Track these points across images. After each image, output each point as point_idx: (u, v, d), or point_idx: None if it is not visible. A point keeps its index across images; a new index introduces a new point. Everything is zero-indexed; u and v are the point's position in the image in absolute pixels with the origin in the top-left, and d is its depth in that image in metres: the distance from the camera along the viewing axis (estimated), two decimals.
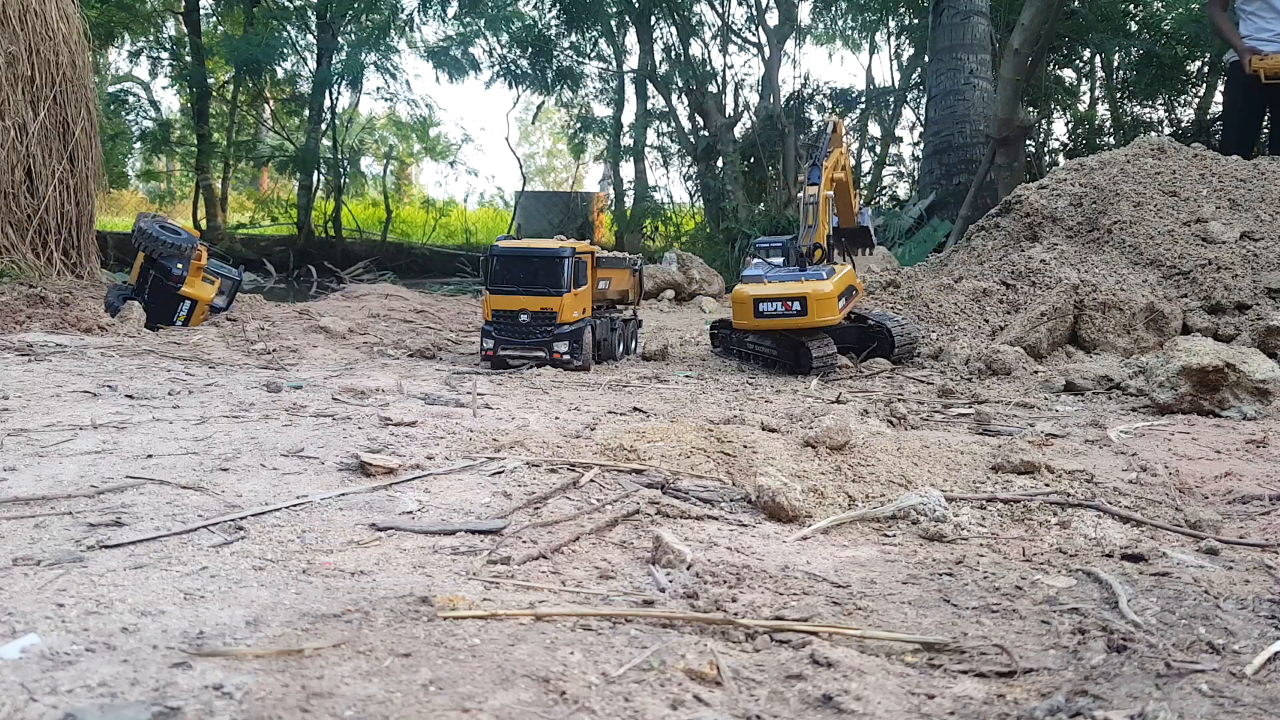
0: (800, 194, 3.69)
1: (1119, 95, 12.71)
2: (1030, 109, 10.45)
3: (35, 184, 4.53)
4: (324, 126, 13.49)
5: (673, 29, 13.50)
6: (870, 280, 4.70)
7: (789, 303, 3.37)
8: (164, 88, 19.64)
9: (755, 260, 3.72)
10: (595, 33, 13.48)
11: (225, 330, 3.91)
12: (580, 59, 13.73)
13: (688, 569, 1.32)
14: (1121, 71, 12.60)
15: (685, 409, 2.58)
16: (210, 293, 4.04)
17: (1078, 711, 0.92)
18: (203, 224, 12.10)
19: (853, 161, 4.56)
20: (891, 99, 14.77)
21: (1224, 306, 3.94)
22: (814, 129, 13.51)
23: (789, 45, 13.98)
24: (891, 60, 18.08)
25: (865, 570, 1.39)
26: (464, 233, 15.44)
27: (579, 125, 14.83)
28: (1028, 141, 10.42)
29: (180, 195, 15.58)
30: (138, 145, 13.76)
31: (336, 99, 13.57)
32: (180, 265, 3.87)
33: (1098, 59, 12.81)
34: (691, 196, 14.44)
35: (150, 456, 1.78)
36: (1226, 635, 1.13)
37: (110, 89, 13.75)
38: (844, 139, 3.89)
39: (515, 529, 1.45)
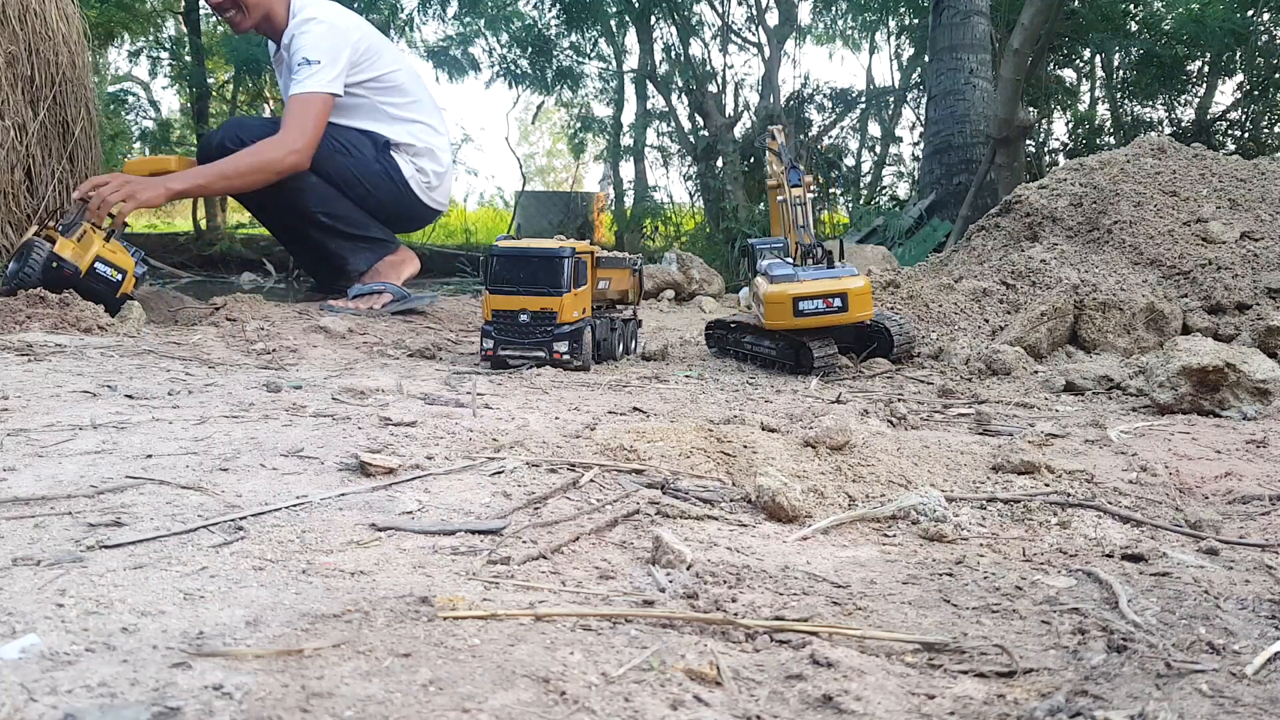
0: (782, 198, 3.66)
1: (1119, 95, 12.73)
2: (1030, 109, 10.45)
3: (35, 184, 4.52)
4: None
5: (673, 29, 13.50)
6: (870, 280, 4.70)
7: (830, 299, 3.34)
8: (164, 88, 19.65)
9: (772, 260, 3.67)
10: (595, 33, 13.47)
11: (225, 330, 3.91)
12: (580, 59, 13.72)
13: (688, 569, 1.31)
14: (1121, 71, 12.63)
15: (685, 409, 2.58)
16: (126, 259, 3.79)
17: (1078, 711, 0.92)
18: (202, 224, 12.06)
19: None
20: (891, 99, 14.78)
21: (1224, 306, 3.94)
22: (814, 130, 13.53)
23: (789, 45, 13.99)
24: (891, 60, 18.11)
25: (865, 570, 1.38)
26: (464, 233, 15.41)
27: (579, 125, 14.83)
28: (1028, 141, 10.43)
29: None
30: (138, 145, 13.73)
31: None
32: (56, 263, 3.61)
33: (1098, 59, 12.84)
34: (691, 196, 14.43)
35: (150, 456, 1.78)
36: (1226, 635, 1.13)
37: (110, 89, 13.73)
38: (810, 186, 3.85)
39: (515, 529, 1.45)
